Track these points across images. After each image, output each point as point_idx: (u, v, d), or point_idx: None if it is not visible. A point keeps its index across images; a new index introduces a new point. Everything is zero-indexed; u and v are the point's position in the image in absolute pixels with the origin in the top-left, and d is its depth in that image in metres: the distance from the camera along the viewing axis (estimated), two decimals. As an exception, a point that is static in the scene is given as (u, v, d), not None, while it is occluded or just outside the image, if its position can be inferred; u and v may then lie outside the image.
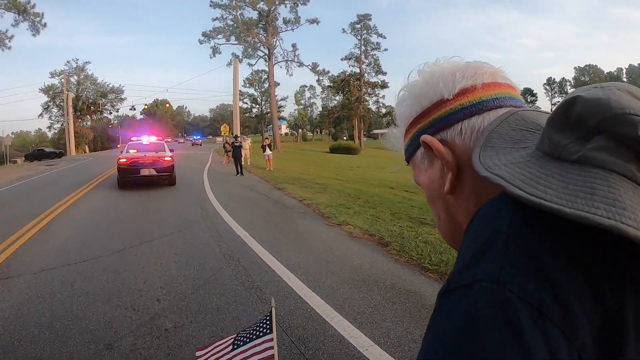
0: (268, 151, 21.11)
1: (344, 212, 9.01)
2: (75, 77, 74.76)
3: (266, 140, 21.82)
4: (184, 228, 7.74)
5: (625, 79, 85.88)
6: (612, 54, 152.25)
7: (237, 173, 18.04)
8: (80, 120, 75.70)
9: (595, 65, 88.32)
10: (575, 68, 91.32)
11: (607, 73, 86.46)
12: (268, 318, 1.88)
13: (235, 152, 18.55)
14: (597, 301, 0.41)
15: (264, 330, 1.84)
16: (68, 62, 75.13)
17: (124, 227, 7.97)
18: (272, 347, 1.78)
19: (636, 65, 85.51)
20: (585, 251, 0.43)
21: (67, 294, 4.71)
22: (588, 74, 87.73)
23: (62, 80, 66.90)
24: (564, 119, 0.48)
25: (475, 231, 0.51)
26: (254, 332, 1.85)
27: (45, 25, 39.78)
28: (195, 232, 7.45)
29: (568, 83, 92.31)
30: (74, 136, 60.21)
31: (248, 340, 1.84)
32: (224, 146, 30.00)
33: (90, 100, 76.53)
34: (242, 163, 26.17)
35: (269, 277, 5.09)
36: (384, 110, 69.83)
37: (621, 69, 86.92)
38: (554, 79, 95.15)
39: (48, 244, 6.86)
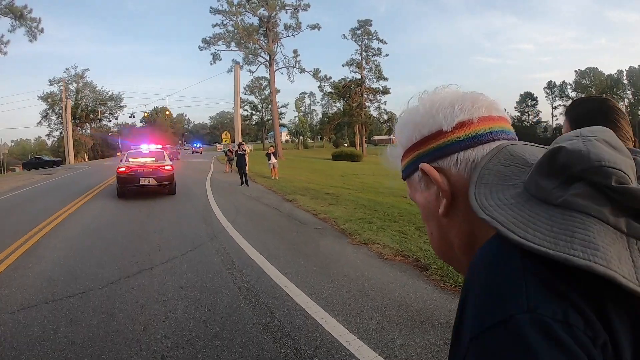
0: (273, 159, 20.14)
1: (366, 227, 8.05)
2: (74, 85, 74.26)
3: (271, 148, 20.81)
4: (188, 251, 6.72)
5: (625, 81, 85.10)
6: (611, 57, 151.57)
7: (242, 183, 17.05)
8: (79, 128, 74.88)
9: (597, 68, 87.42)
10: (575, 71, 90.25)
11: (607, 75, 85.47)
12: None
13: (240, 160, 17.54)
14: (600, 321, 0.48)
15: None
16: (67, 69, 74.64)
17: (120, 250, 6.93)
18: None
19: (636, 67, 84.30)
20: (582, 282, 0.48)
21: (49, 344, 3.70)
22: (589, 77, 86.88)
23: (61, 87, 66.12)
24: (550, 166, 0.55)
25: (486, 274, 0.54)
26: None
27: (42, 30, 38.91)
28: (203, 256, 6.44)
29: (569, 86, 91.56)
30: (73, 144, 59.12)
31: None
32: (225, 154, 29.11)
33: (90, 108, 75.73)
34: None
35: (299, 318, 4.09)
36: (385, 117, 69.00)
37: (622, 71, 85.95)
38: (554, 82, 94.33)
39: (32, 271, 5.84)
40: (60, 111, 63.78)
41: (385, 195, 16.26)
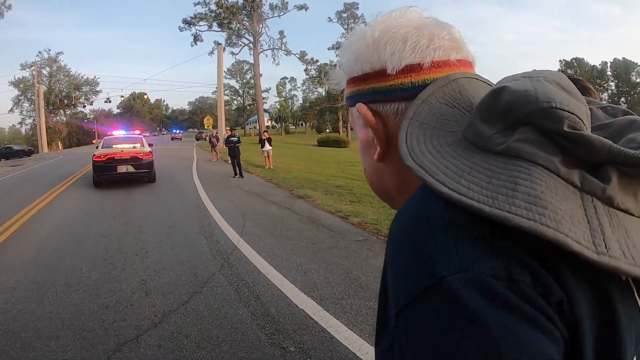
0: (267, 146, 17.60)
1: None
2: (48, 69, 69.62)
3: (265, 133, 18.21)
4: (191, 295, 4.23)
5: (609, 73, 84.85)
6: (593, 48, 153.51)
7: (236, 174, 14.49)
8: (53, 115, 70.68)
9: (582, 59, 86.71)
10: (560, 61, 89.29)
11: (591, 66, 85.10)
12: None
13: (232, 149, 14.93)
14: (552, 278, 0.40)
15: None
16: (40, 52, 69.96)
17: (88, 300, 4.37)
18: None
19: (620, 59, 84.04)
20: (525, 238, 0.39)
21: None
22: (573, 68, 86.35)
23: (33, 72, 61.85)
24: (491, 109, 0.46)
25: (406, 228, 0.45)
26: None
27: (10, 7, 35.28)
28: (217, 305, 3.98)
29: None
30: (47, 132, 55.25)
31: None
32: (209, 141, 26.46)
33: (64, 94, 71.37)
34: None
35: None
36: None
37: (606, 63, 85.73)
38: None
39: None
40: (33, 97, 59.70)
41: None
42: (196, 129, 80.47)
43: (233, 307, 3.87)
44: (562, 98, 0.43)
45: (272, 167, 17.52)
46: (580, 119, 0.42)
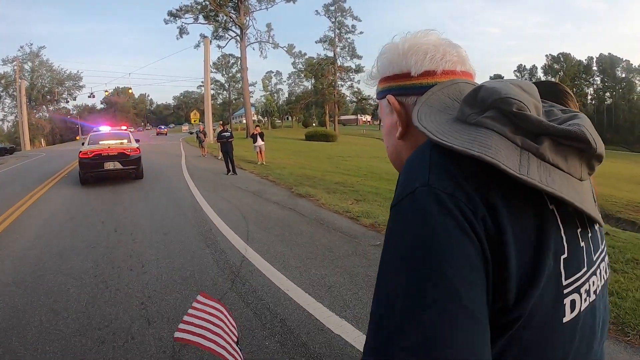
0: (260, 141, 16.83)
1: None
2: (29, 64, 67.50)
3: (257, 128, 17.42)
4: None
5: (595, 68, 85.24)
6: (581, 44, 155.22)
7: (229, 171, 13.72)
8: (35, 111, 68.72)
9: (569, 54, 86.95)
10: (547, 56, 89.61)
11: (576, 61, 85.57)
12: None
13: (225, 145, 14.13)
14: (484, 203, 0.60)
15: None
16: (21, 47, 67.61)
17: (79, 332, 3.63)
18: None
19: (606, 54, 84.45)
20: (475, 174, 0.61)
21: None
22: (560, 62, 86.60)
23: (15, 67, 59.86)
24: (472, 98, 0.68)
25: (408, 164, 0.69)
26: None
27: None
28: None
29: (540, 70, 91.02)
30: (29, 129, 53.50)
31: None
32: (197, 136, 25.54)
33: (46, 89, 69.36)
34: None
35: None
36: (359, 96, 65.88)
37: (592, 58, 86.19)
38: (525, 66, 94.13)
39: None
40: (15, 93, 57.77)
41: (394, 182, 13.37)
42: (187, 124, 77.96)
43: (257, 337, 3.19)
44: (516, 92, 0.65)
45: (264, 162, 16.80)
46: (525, 105, 0.64)
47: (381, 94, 0.84)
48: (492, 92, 0.66)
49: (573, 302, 0.64)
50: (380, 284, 0.58)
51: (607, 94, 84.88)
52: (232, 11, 41.41)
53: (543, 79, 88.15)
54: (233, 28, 42.27)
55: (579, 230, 0.68)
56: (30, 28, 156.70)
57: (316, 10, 61.69)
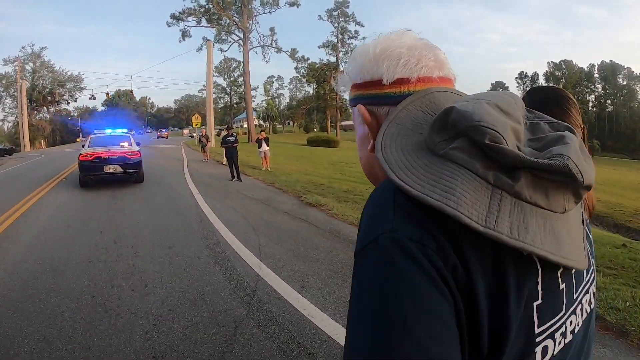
0: (265, 147, 16.37)
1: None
2: (31, 64, 66.85)
3: (262, 133, 16.91)
4: (221, 355, 3.04)
5: (597, 75, 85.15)
6: (583, 51, 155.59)
7: (233, 177, 13.21)
8: (36, 112, 68.16)
9: (571, 61, 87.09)
10: (548, 63, 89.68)
11: (578, 68, 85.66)
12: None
13: (230, 150, 13.62)
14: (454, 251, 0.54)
15: None
16: (23, 47, 67.01)
17: None
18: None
19: (608, 61, 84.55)
20: (444, 220, 0.53)
21: None
22: (561, 70, 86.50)
23: (16, 67, 59.34)
24: (442, 122, 0.60)
25: (372, 203, 0.63)
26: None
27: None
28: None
29: (542, 77, 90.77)
30: (30, 130, 52.93)
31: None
32: (199, 140, 25.04)
33: (47, 90, 68.76)
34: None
35: None
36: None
37: (593, 65, 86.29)
38: (526, 72, 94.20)
39: None
40: (16, 94, 57.22)
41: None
42: (189, 128, 76.88)
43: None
44: (491, 118, 0.56)
45: (269, 168, 16.34)
46: (501, 134, 0.55)
47: (352, 102, 0.78)
48: (463, 117, 0.57)
49: (545, 349, 0.60)
50: (348, 335, 0.54)
51: (609, 101, 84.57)
52: (235, 15, 41.05)
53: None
54: (236, 32, 41.94)
55: (559, 271, 0.62)
56: (32, 28, 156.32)
57: (319, 15, 61.16)
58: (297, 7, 42.96)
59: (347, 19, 59.59)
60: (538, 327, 0.59)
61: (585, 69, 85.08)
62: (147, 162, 15.93)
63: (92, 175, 11.88)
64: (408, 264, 0.52)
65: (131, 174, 12.27)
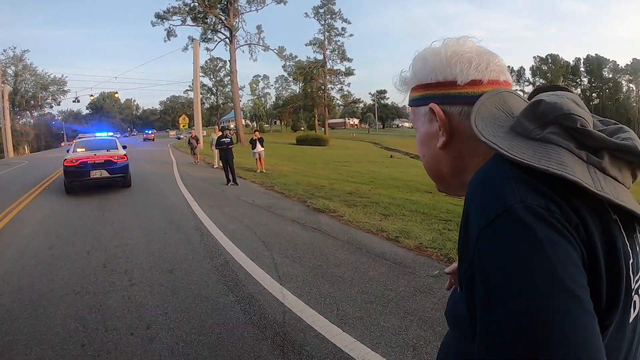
0: (259, 147, 15.50)
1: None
2: (13, 68, 64.90)
3: (256, 133, 16.04)
4: None
5: (582, 69, 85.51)
6: (567, 46, 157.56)
7: (229, 181, 12.36)
8: (19, 117, 66.31)
9: (557, 55, 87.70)
10: (534, 57, 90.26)
11: (563, 62, 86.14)
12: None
13: (225, 152, 12.73)
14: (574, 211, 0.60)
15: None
16: (4, 50, 65.06)
17: None
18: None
19: (594, 55, 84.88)
20: (557, 187, 0.61)
21: None
22: (548, 64, 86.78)
23: (-2, 71, 57.56)
24: (532, 113, 0.68)
25: (482, 182, 0.66)
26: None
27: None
28: None
29: (529, 71, 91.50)
30: (13, 135, 51.27)
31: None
32: (189, 142, 24.05)
33: (30, 94, 66.91)
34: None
35: None
36: (349, 99, 64.85)
37: (579, 59, 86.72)
38: (512, 67, 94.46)
39: None
40: (-3, 98, 55.50)
41: (410, 190, 12.43)
42: (176, 129, 75.03)
43: None
44: (576, 108, 0.67)
45: (264, 170, 15.50)
46: (587, 121, 0.66)
47: (419, 101, 0.81)
48: (553, 108, 0.66)
49: (634, 303, 0.66)
50: (498, 309, 0.56)
51: (594, 94, 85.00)
52: (222, 13, 39.92)
53: (531, 80, 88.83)
54: (222, 30, 40.79)
55: (634, 235, 0.69)
56: (14, 31, 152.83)
57: (305, 13, 60.21)
58: (284, 4, 41.81)
59: (334, 16, 58.79)
60: (634, 283, 0.65)
61: (572, 63, 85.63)
62: (135, 166, 15.03)
63: (78, 181, 11.43)
64: (545, 227, 0.56)
65: (118, 178, 11.87)
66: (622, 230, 0.65)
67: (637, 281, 0.66)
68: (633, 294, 0.65)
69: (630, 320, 0.65)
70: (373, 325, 3.37)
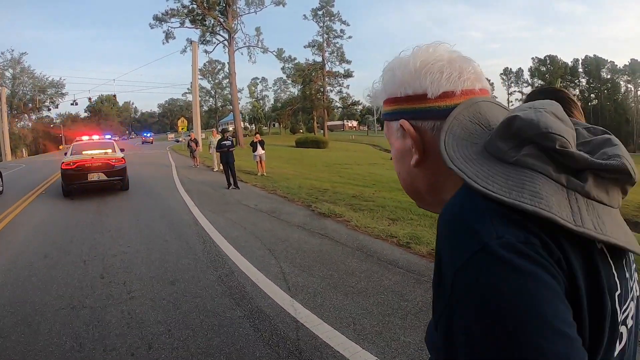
0: (260, 150, 15.23)
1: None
2: (11, 71, 64.52)
3: (257, 136, 15.76)
4: None
5: (581, 69, 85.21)
6: (565, 46, 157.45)
7: (230, 185, 12.09)
8: (17, 120, 65.94)
9: (555, 56, 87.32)
10: (533, 58, 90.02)
11: (562, 63, 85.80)
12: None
13: (226, 155, 12.45)
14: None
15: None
16: (2, 53, 64.75)
17: None
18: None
19: (592, 56, 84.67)
20: (535, 217, 0.55)
21: None
22: (546, 65, 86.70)
23: (-4, 74, 57.30)
24: (506, 131, 0.62)
25: (453, 216, 0.60)
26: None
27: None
28: None
29: (527, 72, 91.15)
30: (11, 138, 50.98)
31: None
32: (188, 145, 23.76)
33: (28, 97, 66.54)
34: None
35: None
36: (348, 101, 64.73)
37: (577, 60, 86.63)
38: (510, 68, 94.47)
39: None
40: (-5, 101, 55.17)
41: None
42: (174, 132, 74.32)
43: None
44: (556, 125, 0.60)
45: (265, 173, 15.23)
46: (567, 140, 0.59)
47: (390, 116, 0.75)
48: (529, 125, 0.60)
49: (621, 335, 0.62)
50: (483, 358, 0.50)
51: (593, 95, 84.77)
52: (220, 15, 39.67)
53: (530, 81, 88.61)
54: (221, 32, 40.54)
55: (624, 260, 0.64)
56: (12, 34, 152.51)
57: (304, 15, 60.16)
58: (283, 6, 41.55)
59: (333, 18, 58.67)
60: (621, 315, 0.61)
61: (570, 63, 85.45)
62: (134, 169, 14.76)
63: (76, 184, 11.33)
64: (526, 263, 0.52)
65: (116, 181, 11.78)
66: (610, 259, 0.61)
67: (624, 311, 0.62)
68: (620, 325, 0.61)
69: (616, 353, 0.61)
70: (393, 341, 3.12)
